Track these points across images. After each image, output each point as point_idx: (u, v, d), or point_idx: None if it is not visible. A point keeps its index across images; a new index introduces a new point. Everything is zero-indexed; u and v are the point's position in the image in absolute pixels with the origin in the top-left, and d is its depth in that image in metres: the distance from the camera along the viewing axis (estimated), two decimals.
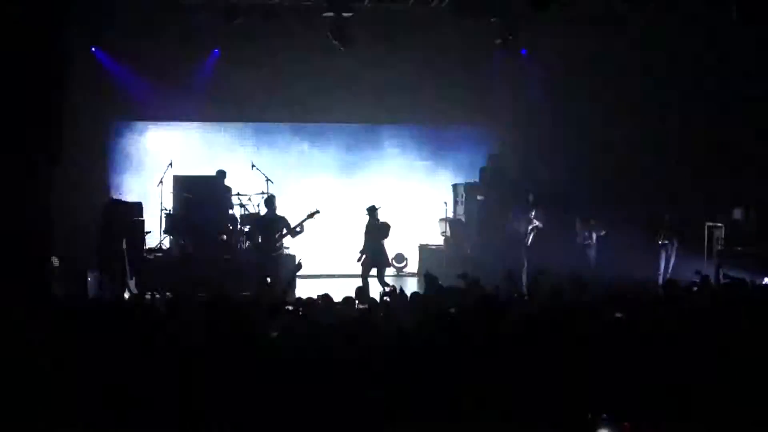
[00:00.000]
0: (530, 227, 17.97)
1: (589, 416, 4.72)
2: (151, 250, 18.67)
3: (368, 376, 5.34)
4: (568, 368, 5.44)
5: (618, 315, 6.62)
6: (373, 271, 17.20)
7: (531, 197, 18.32)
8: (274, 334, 7.93)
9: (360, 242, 17.58)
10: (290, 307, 10.01)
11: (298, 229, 16.46)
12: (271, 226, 16.64)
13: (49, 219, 15.65)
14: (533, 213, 18.06)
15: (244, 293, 15.16)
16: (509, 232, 18.31)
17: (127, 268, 16.62)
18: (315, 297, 11.39)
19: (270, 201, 16.89)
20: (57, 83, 15.49)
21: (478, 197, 20.08)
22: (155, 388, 5.48)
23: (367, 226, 17.44)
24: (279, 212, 16.76)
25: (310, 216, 16.49)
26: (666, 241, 17.88)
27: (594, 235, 18.22)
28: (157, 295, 13.87)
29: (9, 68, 14.94)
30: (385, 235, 17.34)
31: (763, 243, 17.55)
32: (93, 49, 19.57)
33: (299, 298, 11.67)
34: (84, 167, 19.34)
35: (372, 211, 17.46)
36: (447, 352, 5.49)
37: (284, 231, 16.52)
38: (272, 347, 5.58)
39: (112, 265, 16.83)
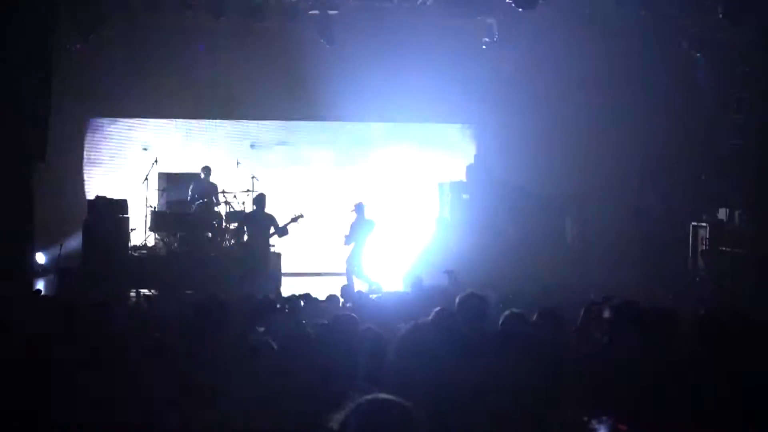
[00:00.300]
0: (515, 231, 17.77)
1: (585, 419, 4.69)
2: (135, 247, 18.60)
3: (352, 377, 5.31)
4: (561, 368, 5.42)
5: (606, 315, 6.62)
6: (357, 269, 17.22)
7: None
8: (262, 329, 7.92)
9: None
10: (277, 305, 10.00)
11: (283, 231, 16.57)
12: (258, 224, 16.67)
13: (31, 216, 15.67)
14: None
15: (230, 291, 15.13)
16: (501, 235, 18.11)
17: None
18: (297, 295, 11.38)
19: (260, 199, 16.91)
20: (44, 80, 15.49)
21: (464, 196, 20.05)
22: (142, 389, 5.46)
23: (354, 224, 17.41)
24: (267, 211, 16.82)
25: (294, 220, 16.60)
26: None
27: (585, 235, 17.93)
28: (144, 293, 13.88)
29: None
30: (370, 232, 17.33)
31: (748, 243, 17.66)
32: (77, 45, 19.44)
33: (284, 297, 11.67)
34: (68, 164, 19.33)
35: (359, 208, 17.43)
36: (434, 352, 5.46)
37: (272, 230, 16.59)
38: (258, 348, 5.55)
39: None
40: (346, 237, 17.37)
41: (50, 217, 18.00)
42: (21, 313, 10.00)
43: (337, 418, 3.40)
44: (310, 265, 20.23)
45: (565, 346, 5.74)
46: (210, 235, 18.63)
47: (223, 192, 19.04)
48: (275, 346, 5.49)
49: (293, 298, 11.15)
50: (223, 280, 15.90)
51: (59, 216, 18.52)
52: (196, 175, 19.25)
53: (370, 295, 13.80)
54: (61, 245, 17.85)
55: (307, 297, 11.29)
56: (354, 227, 17.36)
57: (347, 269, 17.20)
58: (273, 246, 17.36)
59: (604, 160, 20.45)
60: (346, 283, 15.90)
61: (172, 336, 6.47)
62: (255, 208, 17.05)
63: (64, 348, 6.05)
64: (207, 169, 19.20)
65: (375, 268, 18.25)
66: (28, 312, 10.12)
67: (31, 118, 15.15)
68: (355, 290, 15.33)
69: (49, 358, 5.92)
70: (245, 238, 16.84)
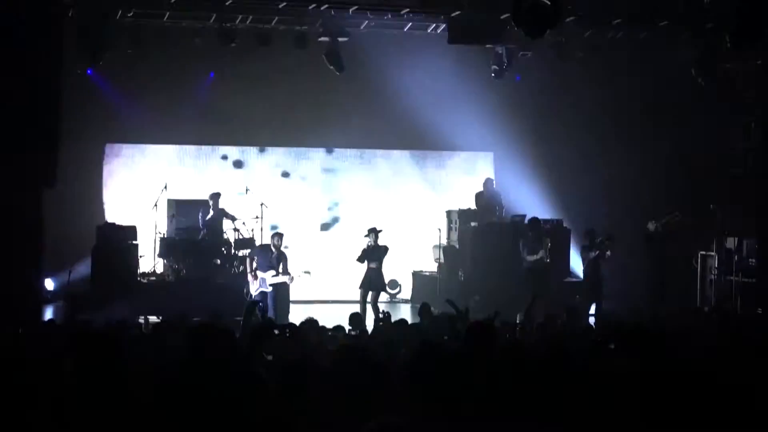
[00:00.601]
0: (534, 258, 17.58)
1: None
2: (144, 274, 18.64)
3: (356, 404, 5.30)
4: (561, 399, 5.41)
5: (611, 346, 6.61)
6: (368, 296, 17.19)
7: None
8: (269, 357, 7.91)
9: (354, 266, 17.59)
10: (276, 331, 9.98)
11: (289, 276, 16.70)
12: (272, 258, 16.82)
13: (40, 243, 15.72)
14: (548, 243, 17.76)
15: (237, 318, 15.13)
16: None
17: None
18: (301, 321, 11.35)
19: (280, 237, 16.95)
20: (53, 105, 15.56)
21: (472, 224, 20.06)
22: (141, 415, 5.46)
23: (367, 248, 17.38)
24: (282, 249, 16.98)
25: (301, 274, 16.83)
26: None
27: (607, 254, 17.71)
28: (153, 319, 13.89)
29: (6, 89, 15.03)
30: (382, 257, 17.31)
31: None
32: (89, 71, 19.53)
33: (286, 323, 11.66)
34: (78, 190, 19.38)
35: (373, 233, 17.40)
36: (435, 379, 5.47)
37: (280, 267, 16.69)
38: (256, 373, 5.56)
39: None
40: (359, 259, 17.38)
41: (63, 243, 18.07)
42: (29, 339, 10.03)
43: None
44: (320, 292, 20.21)
45: (568, 372, 5.72)
46: (218, 261, 18.66)
47: (232, 219, 19.04)
48: (270, 382, 5.48)
49: (294, 324, 11.12)
50: (231, 307, 15.90)
51: (71, 242, 18.56)
52: (205, 202, 19.26)
53: (379, 323, 13.78)
54: (70, 272, 17.91)
55: (310, 321, 11.24)
56: (368, 252, 17.33)
57: (361, 295, 17.18)
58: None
59: (613, 189, 20.50)
60: (355, 310, 15.86)
61: (175, 362, 6.47)
62: (272, 243, 17.07)
63: (72, 374, 6.05)
64: (216, 196, 19.21)
65: (385, 294, 18.23)
66: (37, 338, 10.15)
67: (40, 144, 15.22)
68: (365, 317, 15.32)
69: (56, 383, 5.93)
70: (254, 267, 16.86)
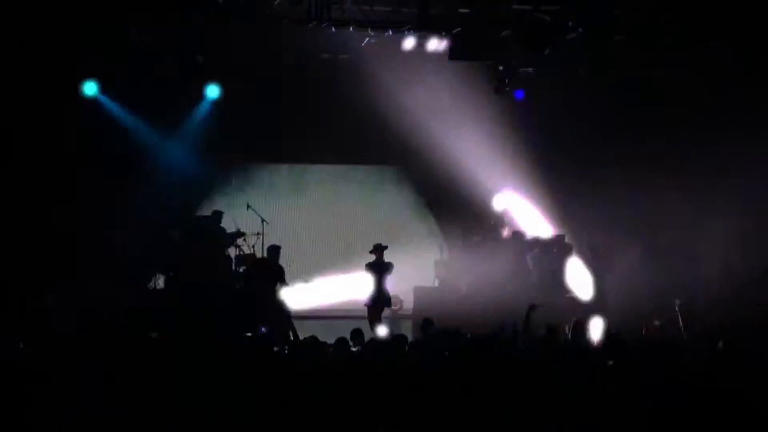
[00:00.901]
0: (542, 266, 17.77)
1: None
2: (146, 289, 18.61)
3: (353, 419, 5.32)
4: (560, 413, 5.42)
5: (610, 363, 6.59)
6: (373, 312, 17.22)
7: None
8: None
9: (357, 281, 17.61)
10: (276, 348, 10.00)
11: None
12: (267, 272, 16.86)
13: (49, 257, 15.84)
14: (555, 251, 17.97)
15: (237, 333, 15.13)
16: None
17: None
18: (301, 338, 11.36)
19: (276, 250, 17.05)
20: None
21: (474, 239, 20.07)
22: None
23: (373, 264, 17.38)
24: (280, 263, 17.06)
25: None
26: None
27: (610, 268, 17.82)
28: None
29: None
30: (387, 274, 17.33)
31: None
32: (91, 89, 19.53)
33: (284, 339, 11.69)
34: (81, 207, 19.42)
35: (379, 249, 17.41)
36: (436, 393, 5.48)
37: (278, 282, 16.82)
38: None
39: None
40: (365, 272, 17.45)
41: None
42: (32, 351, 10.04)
43: None
44: (321, 307, 20.22)
45: (568, 387, 5.74)
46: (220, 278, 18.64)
47: (233, 236, 19.02)
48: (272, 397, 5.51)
49: (294, 341, 11.14)
50: (230, 323, 15.93)
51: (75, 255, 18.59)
52: (207, 219, 19.24)
53: (381, 338, 13.77)
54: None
55: (310, 338, 11.23)
56: (373, 268, 17.34)
57: (368, 311, 17.21)
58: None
59: (616, 203, 20.50)
60: (357, 326, 15.86)
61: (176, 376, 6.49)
62: (268, 256, 17.17)
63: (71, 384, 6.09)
64: (218, 213, 19.20)
65: (387, 309, 18.23)
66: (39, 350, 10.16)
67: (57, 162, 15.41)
68: (367, 333, 15.31)
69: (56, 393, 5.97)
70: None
